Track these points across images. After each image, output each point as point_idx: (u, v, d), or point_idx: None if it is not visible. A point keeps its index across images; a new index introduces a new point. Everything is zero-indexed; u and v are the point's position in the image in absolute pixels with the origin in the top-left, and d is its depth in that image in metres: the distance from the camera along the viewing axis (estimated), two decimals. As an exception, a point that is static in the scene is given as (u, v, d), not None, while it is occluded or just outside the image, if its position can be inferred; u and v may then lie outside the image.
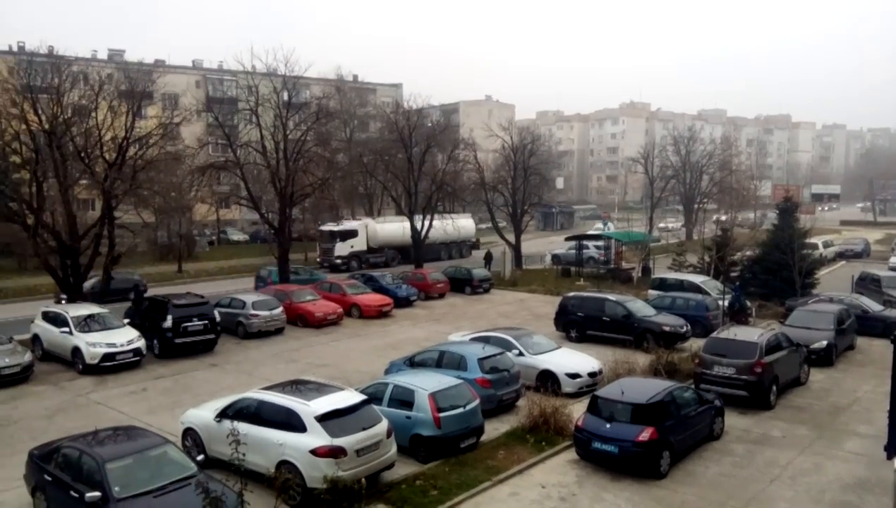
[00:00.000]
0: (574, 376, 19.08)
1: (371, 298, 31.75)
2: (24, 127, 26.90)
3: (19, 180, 29.32)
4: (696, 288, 29.41)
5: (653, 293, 30.65)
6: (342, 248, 48.68)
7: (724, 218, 45.78)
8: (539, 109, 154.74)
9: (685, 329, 24.46)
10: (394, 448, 13.44)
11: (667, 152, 73.49)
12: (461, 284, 37.62)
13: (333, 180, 40.85)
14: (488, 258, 46.23)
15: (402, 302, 33.19)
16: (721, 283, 29.14)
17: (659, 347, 21.44)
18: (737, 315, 26.70)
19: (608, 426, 14.00)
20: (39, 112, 26.55)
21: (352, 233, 49.45)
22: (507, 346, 19.51)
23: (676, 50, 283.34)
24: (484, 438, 15.43)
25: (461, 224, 53.05)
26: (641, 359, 20.52)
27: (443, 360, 17.91)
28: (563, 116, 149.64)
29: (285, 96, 36.51)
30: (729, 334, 19.12)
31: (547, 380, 18.77)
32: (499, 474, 13.87)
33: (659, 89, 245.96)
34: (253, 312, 27.02)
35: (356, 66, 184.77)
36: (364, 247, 49.74)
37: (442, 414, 14.37)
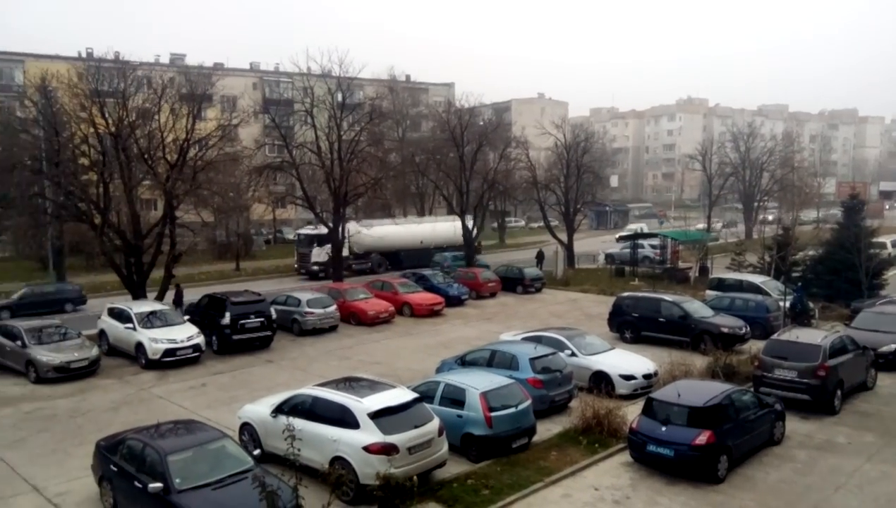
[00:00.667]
0: (628, 377, 18.77)
1: (422, 297, 31.92)
2: (92, 130, 28.04)
3: (87, 181, 30.52)
4: (756, 289, 28.56)
5: (710, 293, 29.90)
6: (320, 254, 43.39)
7: (783, 216, 44.30)
8: (593, 106, 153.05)
9: (744, 330, 23.78)
10: (445, 447, 13.48)
11: (725, 149, 71.54)
12: (512, 283, 37.45)
13: (386, 180, 41.25)
14: (540, 257, 45.88)
15: (454, 301, 33.26)
16: (782, 284, 28.18)
17: (717, 349, 20.90)
18: (799, 316, 25.80)
19: (664, 429, 13.72)
20: (106, 116, 27.60)
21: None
22: (560, 346, 19.32)
23: (735, 42, 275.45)
24: (536, 439, 15.32)
25: (444, 226, 49.01)
26: (698, 361, 20.03)
27: (494, 360, 17.85)
28: (618, 113, 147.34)
29: (339, 97, 37.03)
30: (791, 336, 18.48)
31: (600, 382, 18.54)
32: (551, 475, 13.76)
33: (717, 84, 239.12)
34: (308, 310, 27.49)
35: (409, 67, 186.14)
36: (346, 253, 43.08)
37: (493, 414, 14.34)
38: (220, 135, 31.30)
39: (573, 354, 19.32)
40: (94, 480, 12.78)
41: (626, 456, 14.56)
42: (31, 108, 33.73)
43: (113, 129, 27.67)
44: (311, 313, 27.48)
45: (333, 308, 28.33)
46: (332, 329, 28.02)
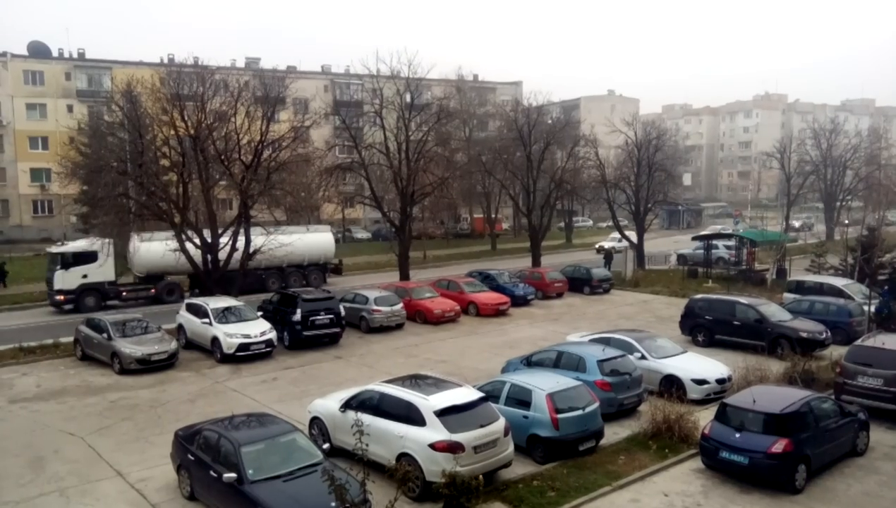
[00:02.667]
0: (701, 382, 18.24)
1: (488, 296, 31.89)
2: (172, 133, 29.26)
3: (168, 182, 31.87)
4: (838, 292, 27.27)
5: (788, 296, 28.72)
6: (68, 279, 32.67)
7: (868, 216, 42.05)
8: (665, 103, 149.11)
9: (825, 335, 22.74)
10: (511, 447, 13.43)
11: (805, 146, 68.51)
12: (580, 284, 36.97)
13: (452, 179, 41.39)
14: (608, 257, 45.13)
15: (519, 301, 33.09)
16: (867, 287, 26.79)
17: (795, 354, 20.05)
18: (885, 321, 24.49)
19: (738, 435, 13.28)
20: (186, 118, 28.73)
21: (86, 257, 33.35)
22: (629, 349, 18.95)
23: (815, 37, 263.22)
24: (603, 442, 15.09)
25: (311, 240, 39.84)
26: (775, 367, 19.27)
27: (561, 361, 17.67)
28: (691, 110, 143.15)
29: (408, 98, 37.41)
30: (876, 342, 17.54)
31: (671, 386, 18.09)
32: (619, 479, 13.52)
33: (795, 79, 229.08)
34: (375, 308, 27.90)
35: (477, 66, 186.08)
36: (109, 277, 34.01)
37: (560, 416, 14.20)
38: (293, 136, 32.06)
39: (643, 357, 18.92)
40: (172, 468, 13.34)
41: (697, 463, 14.17)
42: (117, 113, 35.49)
43: (192, 132, 28.76)
44: (378, 311, 27.88)
45: (400, 306, 28.66)
46: (399, 327, 28.34)
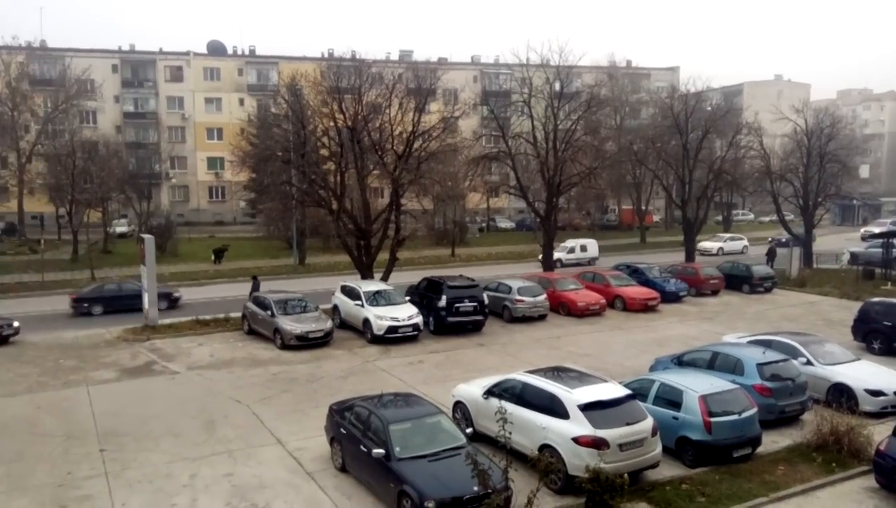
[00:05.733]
0: (876, 393, 16.53)
1: (636, 291, 30.83)
2: (331, 124, 30.87)
3: (326, 171, 33.72)
4: None
5: None
6: None
7: None
8: (841, 88, 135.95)
9: None
10: (659, 448, 12.93)
11: None
12: (738, 282, 34.73)
13: (601, 169, 40.41)
14: (771, 254, 42.03)
15: (670, 297, 31.67)
16: None
17: None
18: None
19: (921, 456, 11.90)
20: (344, 110, 30.19)
21: None
22: (793, 353, 17.55)
23: None
24: (760, 450, 14.13)
25: None
26: (970, 383, 17.03)
27: (715, 362, 16.71)
28: (872, 95, 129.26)
29: (557, 86, 36.92)
30: None
31: (840, 395, 16.56)
32: (777, 491, 12.61)
33: None
34: (518, 297, 27.89)
35: (631, 52, 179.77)
36: None
37: (713, 419, 13.45)
38: (443, 127, 32.73)
39: (809, 362, 17.47)
40: (326, 440, 14.13)
41: (870, 481, 12.88)
42: (282, 105, 38.05)
43: (349, 123, 30.18)
44: (522, 301, 27.84)
45: (543, 297, 28.44)
46: (542, 317, 28.14)
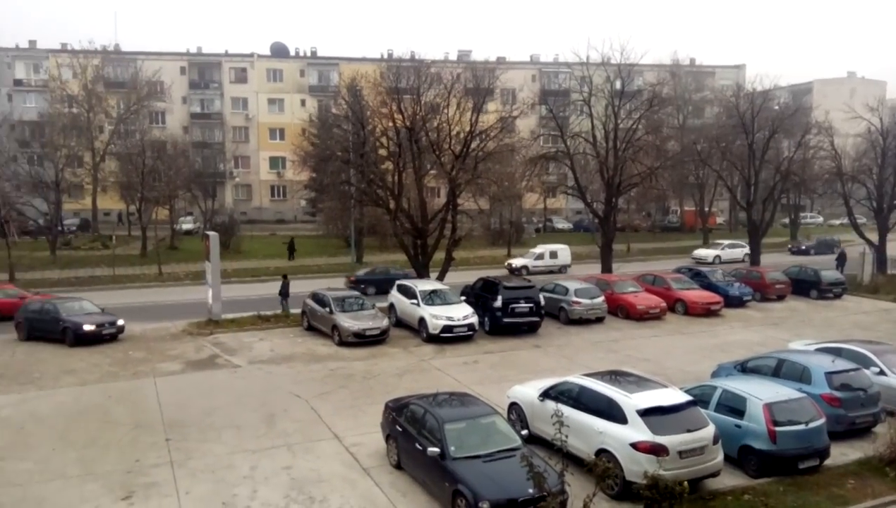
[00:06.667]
0: (956, 407, 15.68)
1: (698, 295, 30.07)
2: (390, 124, 31.19)
3: (384, 170, 34.09)
4: None
5: None
6: None
7: None
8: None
9: None
10: (720, 456, 12.58)
11: None
12: (806, 287, 33.49)
13: (663, 169, 39.60)
14: (841, 259, 40.35)
15: (734, 302, 30.78)
16: None
17: None
18: None
19: None
20: (402, 110, 30.44)
21: None
22: (864, 362, 16.79)
23: None
24: (828, 462, 13.59)
25: None
26: None
27: (781, 369, 16.15)
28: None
29: (618, 85, 36.36)
30: None
31: (917, 408, 15.76)
32: (846, 505, 12.12)
33: None
34: (575, 299, 27.57)
35: (694, 50, 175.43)
36: None
37: (778, 429, 13.01)
38: (501, 127, 32.64)
39: (882, 372, 16.69)
40: (381, 437, 14.27)
41: (950, 501, 12.23)
42: (342, 106, 38.64)
43: (408, 123, 30.42)
44: (579, 303, 27.51)
45: (601, 299, 28.03)
46: (599, 320, 27.74)
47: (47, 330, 24.09)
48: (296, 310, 27.65)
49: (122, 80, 67.63)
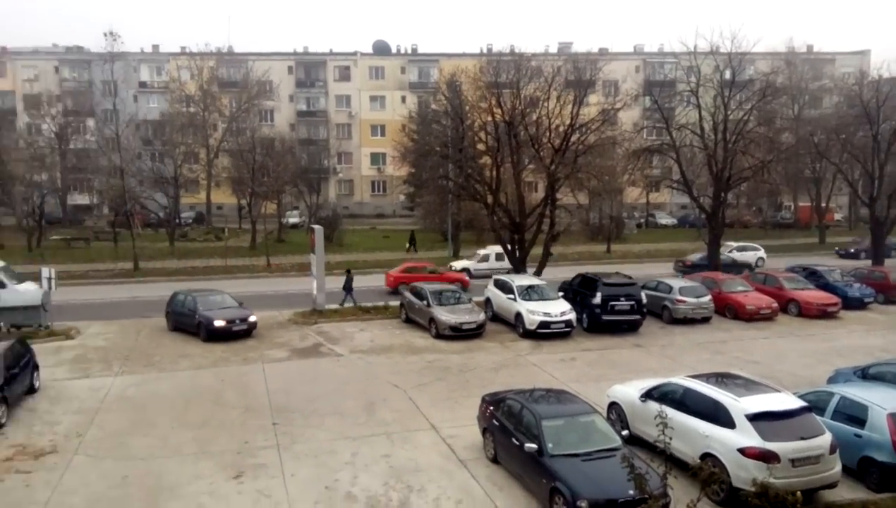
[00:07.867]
0: None
1: (813, 295, 28.33)
2: (489, 119, 31.18)
3: (483, 165, 34.13)
4: None
5: None
6: None
7: None
8: None
9: None
10: (838, 467, 11.83)
11: None
12: (937, 289, 30.81)
13: (776, 162, 37.51)
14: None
15: (853, 303, 28.81)
16: None
17: None
18: None
19: None
20: (502, 105, 30.34)
21: None
22: None
23: None
24: (964, 481, 12.47)
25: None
26: None
27: (909, 377, 14.98)
28: None
29: (728, 74, 34.69)
30: None
31: None
32: (983, 529, 11.08)
33: None
34: (679, 298, 26.62)
35: (812, 36, 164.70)
36: None
37: (905, 441, 12.07)
38: (602, 119, 31.92)
39: None
40: (478, 430, 14.34)
41: None
42: (442, 101, 38.98)
43: (506, 118, 30.30)
44: (683, 301, 26.54)
45: (708, 298, 26.93)
46: (705, 320, 26.66)
47: (186, 323, 24.65)
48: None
49: (235, 80, 71.11)
